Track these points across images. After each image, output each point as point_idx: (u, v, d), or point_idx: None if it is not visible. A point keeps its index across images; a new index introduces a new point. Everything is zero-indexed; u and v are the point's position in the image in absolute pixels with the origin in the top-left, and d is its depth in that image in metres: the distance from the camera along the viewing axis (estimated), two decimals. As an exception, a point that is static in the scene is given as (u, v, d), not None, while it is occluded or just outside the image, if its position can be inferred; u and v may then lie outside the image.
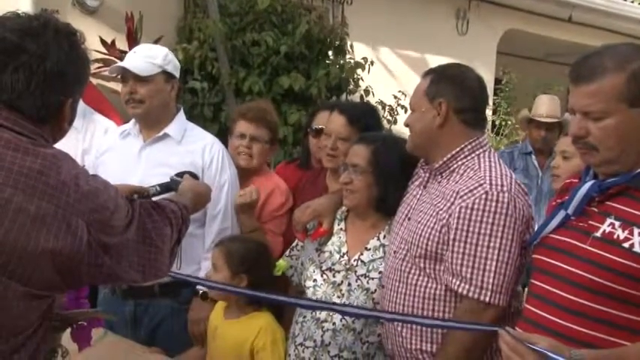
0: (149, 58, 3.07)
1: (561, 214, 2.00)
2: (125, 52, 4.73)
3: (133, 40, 5.30)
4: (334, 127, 3.07)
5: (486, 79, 2.57)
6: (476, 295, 2.26)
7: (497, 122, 8.23)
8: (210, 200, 2.55)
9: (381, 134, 2.93)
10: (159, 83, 3.08)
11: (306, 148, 3.47)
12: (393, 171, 2.65)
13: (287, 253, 3.03)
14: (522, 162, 4.83)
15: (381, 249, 2.68)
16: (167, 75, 3.11)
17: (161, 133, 3.12)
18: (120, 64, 3.10)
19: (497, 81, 8.50)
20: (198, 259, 3.08)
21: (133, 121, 3.22)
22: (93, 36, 5.09)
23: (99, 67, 4.95)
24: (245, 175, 3.31)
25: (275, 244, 3.15)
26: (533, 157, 4.81)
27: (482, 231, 2.25)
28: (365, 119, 3.09)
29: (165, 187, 2.57)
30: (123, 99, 3.10)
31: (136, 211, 1.77)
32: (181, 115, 3.22)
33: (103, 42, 5.27)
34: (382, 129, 3.38)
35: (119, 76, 3.16)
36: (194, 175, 2.72)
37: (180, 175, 2.64)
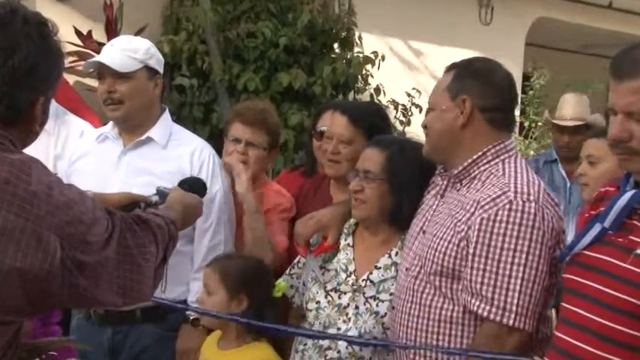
0: (129, 51, 3.08)
1: (597, 228, 2.00)
2: (103, 45, 4.75)
3: (112, 31, 5.33)
4: (335, 130, 3.09)
5: (513, 74, 2.59)
6: (498, 318, 2.27)
7: (525, 124, 8.22)
8: (201, 214, 2.56)
9: (397, 138, 2.95)
10: (140, 80, 3.09)
11: (310, 153, 3.47)
12: (410, 180, 2.66)
13: (287, 271, 3.04)
14: (548, 172, 4.76)
15: (393, 268, 2.69)
16: (150, 71, 3.12)
17: (143, 137, 3.14)
18: (96, 58, 3.12)
19: (526, 77, 8.49)
20: (186, 280, 3.09)
21: (111, 122, 3.23)
22: (66, 26, 5.11)
23: (73, 62, 4.98)
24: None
25: (281, 242, 3.14)
26: (560, 165, 4.76)
27: (506, 245, 2.26)
28: (370, 119, 3.11)
29: (164, 197, 2.57)
30: (100, 98, 3.11)
31: (117, 226, 1.77)
32: (166, 117, 3.23)
33: (78, 33, 5.30)
34: (391, 130, 3.40)
35: (96, 72, 3.17)
36: (201, 184, 2.67)
37: (186, 181, 2.64)
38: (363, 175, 2.71)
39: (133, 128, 3.14)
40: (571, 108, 4.76)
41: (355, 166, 2.79)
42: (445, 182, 2.54)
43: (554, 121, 4.77)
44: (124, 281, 1.77)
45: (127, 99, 3.06)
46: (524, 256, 2.25)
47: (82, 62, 5.27)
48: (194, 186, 2.57)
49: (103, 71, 3.07)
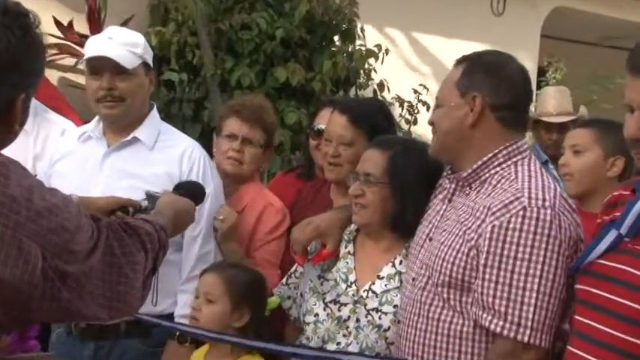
0: (130, 46, 3.09)
1: (612, 235, 2.01)
2: (85, 37, 4.77)
3: (95, 22, 5.33)
4: (335, 130, 3.10)
5: (528, 68, 2.60)
6: (512, 334, 2.28)
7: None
8: (194, 220, 2.57)
9: (400, 138, 2.96)
10: (140, 77, 3.12)
11: (308, 154, 3.51)
12: (414, 183, 2.68)
13: (284, 280, 3.05)
14: None
15: (397, 277, 2.71)
16: (146, 67, 3.15)
17: (129, 137, 3.15)
18: (98, 53, 3.08)
19: (542, 71, 8.49)
20: (174, 291, 3.09)
21: (95, 120, 3.23)
22: (45, 16, 5.08)
23: (53, 55, 4.98)
24: (230, 185, 3.34)
25: (271, 277, 3.16)
26: (551, 166, 4.68)
27: (520, 255, 2.27)
28: (371, 118, 3.12)
29: (153, 202, 2.58)
30: (94, 96, 3.10)
31: (103, 233, 1.77)
32: (154, 115, 3.24)
33: (58, 23, 5.30)
34: (395, 129, 3.41)
35: (79, 66, 3.18)
36: (199, 189, 2.68)
37: (182, 185, 2.65)
38: (363, 178, 2.72)
39: (120, 127, 3.15)
40: (554, 102, 4.69)
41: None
42: (453, 185, 2.55)
43: (541, 118, 4.68)
44: (110, 293, 1.77)
45: (128, 97, 3.09)
46: (539, 266, 2.26)
47: (62, 55, 5.31)
48: (191, 190, 2.59)
49: (100, 66, 3.07)
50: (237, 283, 2.85)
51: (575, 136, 3.33)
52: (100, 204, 2.55)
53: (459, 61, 2.53)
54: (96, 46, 3.12)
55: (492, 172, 2.44)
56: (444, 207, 2.56)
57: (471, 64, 2.49)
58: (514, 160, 2.44)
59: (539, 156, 4.76)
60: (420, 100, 6.51)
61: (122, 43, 3.09)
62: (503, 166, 2.44)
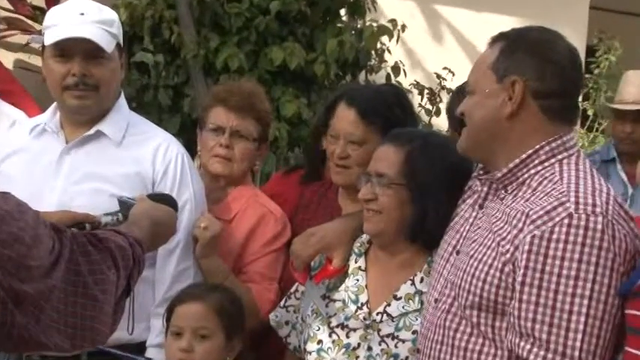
0: (105, 24, 3.09)
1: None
2: (41, 10, 4.77)
3: (52, -8, 5.34)
4: (342, 126, 3.11)
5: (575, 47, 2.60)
6: (555, 366, 2.28)
7: (590, 112, 8.21)
8: (175, 231, 2.57)
9: (419, 131, 2.96)
10: (116, 61, 3.13)
11: (312, 154, 3.48)
12: (436, 184, 2.68)
13: (281, 303, 3.06)
14: (602, 174, 4.71)
15: (417, 298, 2.71)
16: (119, 49, 3.16)
17: (92, 131, 3.14)
18: (71, 33, 3.04)
19: (591, 50, 8.48)
20: (147, 314, 3.09)
21: (50, 110, 3.23)
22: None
23: (1, 31, 4.98)
24: (218, 189, 3.35)
25: (266, 291, 3.17)
26: (619, 165, 4.73)
27: (565, 272, 2.26)
28: (386, 110, 3.12)
29: (126, 210, 2.57)
30: (60, 82, 3.08)
31: (66, 247, 1.78)
32: (122, 104, 3.24)
33: (7, -6, 5.31)
34: (416, 122, 3.40)
35: (39, 47, 3.17)
36: (171, 202, 2.67)
37: (155, 197, 2.64)
38: (376, 179, 2.72)
39: (83, 120, 3.15)
40: (635, 88, 4.71)
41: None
42: (486, 188, 2.56)
43: (614, 106, 4.74)
44: (75, 318, 1.77)
45: (103, 85, 3.09)
46: (588, 285, 2.25)
47: (12, 32, 5.31)
48: (163, 199, 2.61)
49: (69, 48, 3.07)
50: (228, 312, 2.88)
51: None
52: (50, 220, 2.54)
53: (495, 39, 2.52)
54: (65, 24, 3.08)
55: (532, 172, 2.43)
56: (474, 214, 2.56)
57: (510, 42, 2.48)
58: (559, 157, 2.44)
59: (608, 152, 4.76)
60: (443, 87, 6.52)
61: (97, 21, 3.07)
62: (546, 164, 2.43)
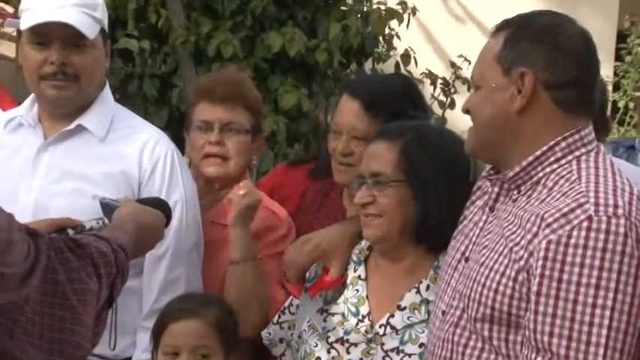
0: (87, 8, 3.09)
1: None
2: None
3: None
4: (344, 120, 3.13)
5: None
6: (575, 384, 2.28)
7: (620, 103, 8.17)
8: (163, 236, 2.59)
9: (410, 123, 2.93)
10: (99, 48, 3.14)
11: (325, 151, 3.42)
12: (437, 177, 2.71)
13: (274, 319, 3.07)
14: (632, 161, 4.72)
15: (423, 307, 2.72)
16: (103, 35, 3.17)
17: (73, 126, 3.15)
18: (49, 17, 3.04)
19: (622, 36, 8.46)
20: (132, 328, 3.10)
21: (28, 103, 3.24)
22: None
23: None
24: (213, 192, 3.37)
25: (277, 293, 3.18)
26: None
27: (584, 280, 2.26)
28: (393, 101, 3.13)
29: (110, 213, 2.58)
30: (37, 71, 3.09)
31: (43, 253, 1.78)
32: (106, 96, 3.25)
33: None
34: (427, 115, 3.41)
35: (14, 32, 3.16)
36: (163, 206, 2.70)
37: (147, 201, 2.65)
38: (371, 180, 2.74)
39: (63, 113, 3.16)
40: None
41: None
42: (497, 189, 2.55)
43: None
44: (52, 332, 1.77)
45: (84, 75, 3.10)
46: (610, 294, 2.25)
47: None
48: (155, 205, 2.63)
49: (47, 34, 3.07)
50: (226, 327, 2.90)
51: None
52: None
53: (499, 28, 2.52)
54: (43, 7, 3.09)
55: (548, 170, 2.43)
56: (485, 217, 2.56)
57: (515, 30, 2.48)
58: (576, 154, 2.44)
59: (634, 140, 4.75)
60: (458, 77, 6.51)
61: (78, 4, 3.08)
62: (562, 162, 2.43)
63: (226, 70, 3.90)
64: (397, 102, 3.15)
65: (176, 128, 3.64)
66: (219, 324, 2.90)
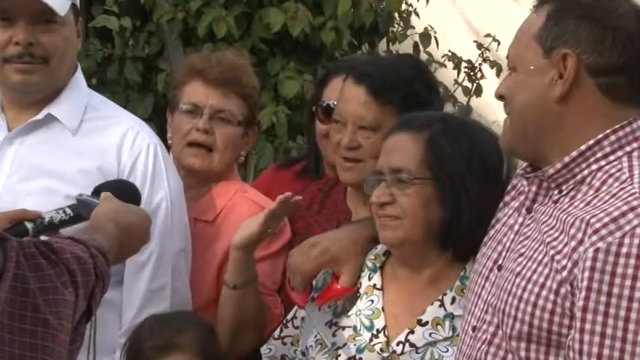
0: None
1: None
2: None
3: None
4: (349, 109, 3.12)
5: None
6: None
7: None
8: (149, 238, 2.61)
9: (436, 113, 2.96)
10: (71, 27, 3.15)
11: (313, 143, 3.51)
12: (469, 173, 2.71)
13: (276, 333, 3.06)
14: None
15: (447, 323, 2.72)
16: (75, 10, 3.17)
17: (41, 116, 3.16)
18: None
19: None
20: (112, 344, 3.11)
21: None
22: None
23: None
24: (197, 185, 3.38)
25: (273, 307, 3.20)
26: None
27: (637, 294, 2.24)
28: (404, 86, 3.12)
29: (77, 214, 2.60)
30: (2, 53, 3.10)
31: (11, 259, 1.79)
32: (78, 81, 3.26)
33: None
34: (441, 101, 3.43)
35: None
36: (133, 192, 2.73)
37: (108, 185, 2.67)
38: (391, 177, 2.74)
39: (30, 101, 3.17)
40: None
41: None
42: (534, 188, 2.53)
43: None
44: (23, 350, 1.79)
45: (53, 56, 3.10)
46: None
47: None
48: (120, 194, 2.62)
49: (10, 9, 3.08)
50: (210, 350, 2.94)
51: None
52: None
53: (541, 2, 2.50)
54: None
55: (594, 167, 2.41)
56: (521, 219, 2.54)
57: (559, 5, 2.46)
58: (627, 149, 2.42)
59: None
60: (486, 59, 6.52)
61: None
62: (611, 158, 2.41)
63: (225, 51, 3.92)
64: (408, 86, 3.15)
65: (161, 119, 3.62)
66: (201, 349, 2.92)
